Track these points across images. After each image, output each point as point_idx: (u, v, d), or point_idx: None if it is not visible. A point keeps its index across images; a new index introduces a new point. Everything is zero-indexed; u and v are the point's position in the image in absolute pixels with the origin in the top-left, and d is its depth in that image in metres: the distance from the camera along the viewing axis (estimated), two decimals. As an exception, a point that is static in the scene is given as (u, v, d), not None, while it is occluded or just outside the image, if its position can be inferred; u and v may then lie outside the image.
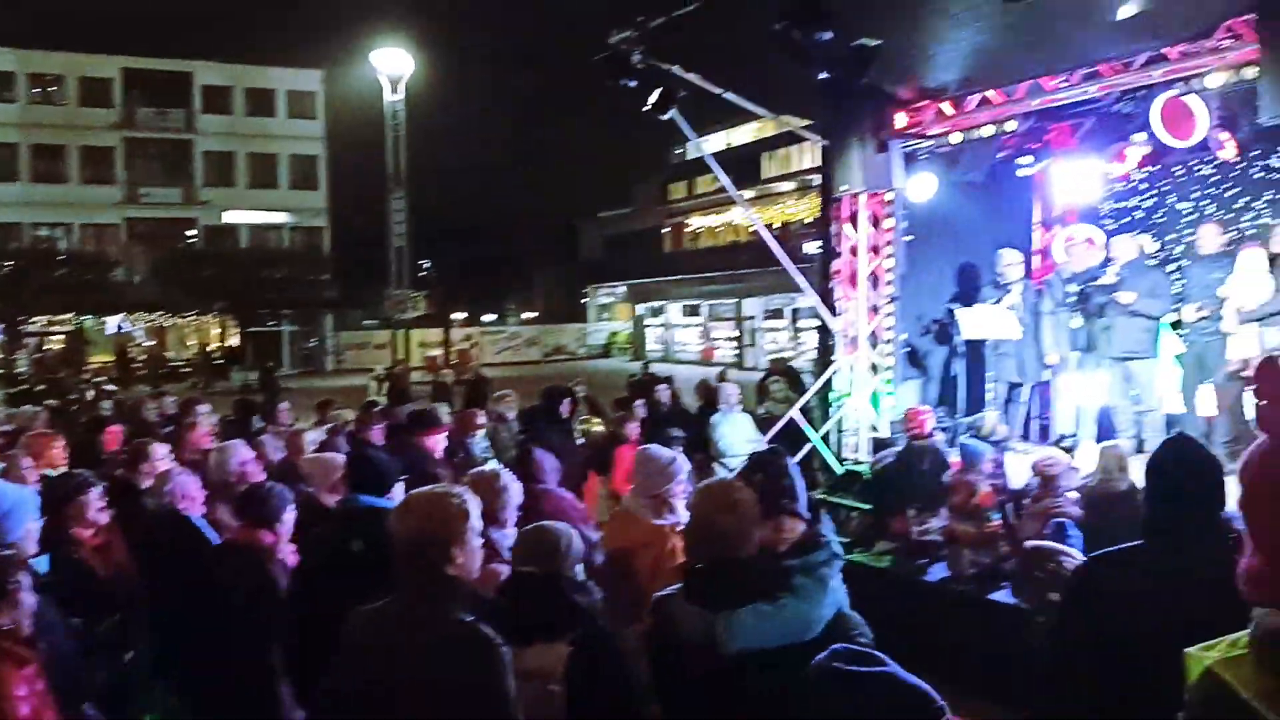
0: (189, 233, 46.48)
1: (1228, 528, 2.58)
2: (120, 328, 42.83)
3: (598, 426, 10.77)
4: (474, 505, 2.84)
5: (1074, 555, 5.31)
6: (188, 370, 40.63)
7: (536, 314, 59.17)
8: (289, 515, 4.34)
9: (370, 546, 3.61)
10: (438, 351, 41.88)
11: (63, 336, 41.50)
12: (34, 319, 39.71)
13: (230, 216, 46.69)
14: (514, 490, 4.12)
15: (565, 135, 65.28)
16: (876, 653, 1.82)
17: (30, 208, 42.82)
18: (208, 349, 43.90)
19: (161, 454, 5.65)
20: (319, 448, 6.78)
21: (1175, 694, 2.05)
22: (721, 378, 10.33)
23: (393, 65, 25.96)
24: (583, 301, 56.85)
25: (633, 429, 9.48)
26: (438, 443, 6.78)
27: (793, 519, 2.87)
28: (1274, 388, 1.32)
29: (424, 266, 43.77)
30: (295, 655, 3.91)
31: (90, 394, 20.90)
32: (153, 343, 44.23)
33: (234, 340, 45.06)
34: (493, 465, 5.50)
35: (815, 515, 2.97)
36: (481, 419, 8.55)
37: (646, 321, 49.83)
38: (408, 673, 2.62)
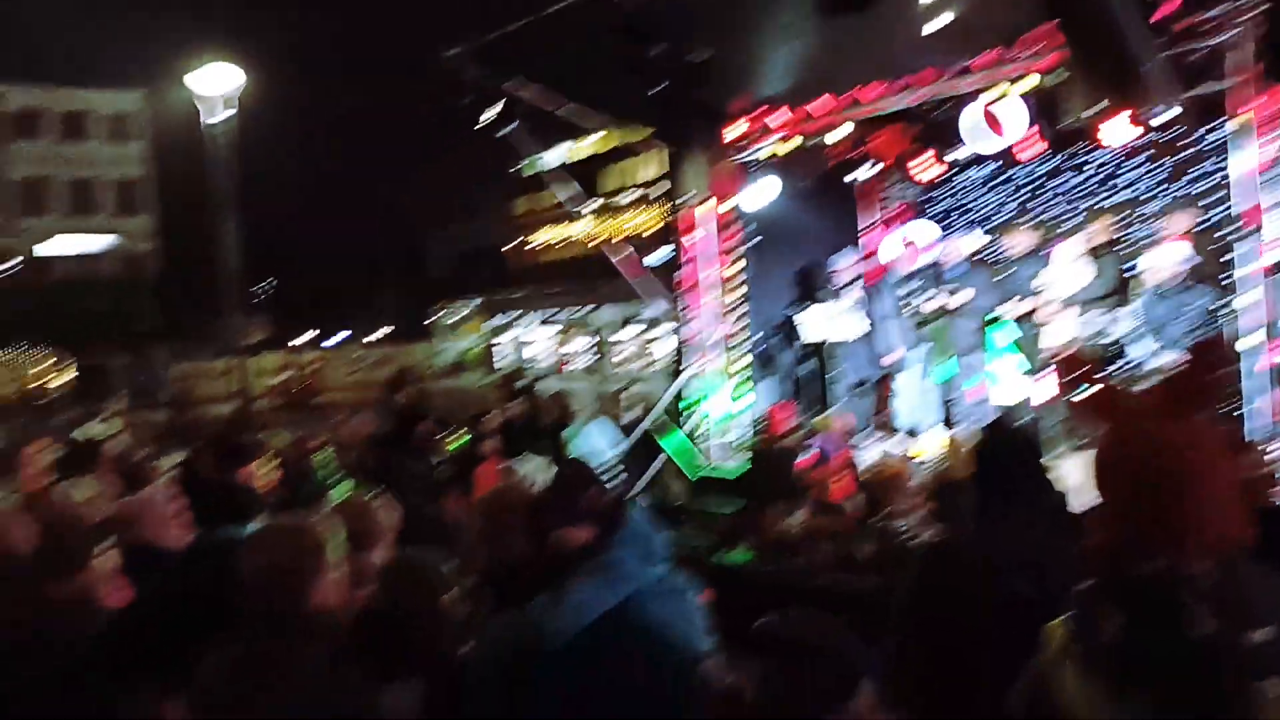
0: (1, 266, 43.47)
1: (1053, 510, 2.76)
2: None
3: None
4: (331, 536, 2.78)
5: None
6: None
7: (383, 333, 57.70)
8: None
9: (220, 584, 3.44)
10: (281, 378, 40.32)
11: None
12: None
13: (47, 246, 43.85)
14: (384, 514, 4.00)
15: (408, 150, 63.73)
16: None
17: None
18: (31, 386, 40.98)
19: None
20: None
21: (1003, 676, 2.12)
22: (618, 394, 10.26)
23: (218, 83, 24.47)
24: (433, 319, 55.82)
25: (489, 445, 9.11)
26: (251, 475, 6.14)
27: (564, 530, 2.77)
28: (1073, 381, 1.44)
29: (261, 290, 41.93)
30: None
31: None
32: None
33: (65, 377, 42.23)
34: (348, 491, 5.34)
35: (612, 525, 2.75)
36: (315, 443, 8.28)
37: (499, 336, 49.33)
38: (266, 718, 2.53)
